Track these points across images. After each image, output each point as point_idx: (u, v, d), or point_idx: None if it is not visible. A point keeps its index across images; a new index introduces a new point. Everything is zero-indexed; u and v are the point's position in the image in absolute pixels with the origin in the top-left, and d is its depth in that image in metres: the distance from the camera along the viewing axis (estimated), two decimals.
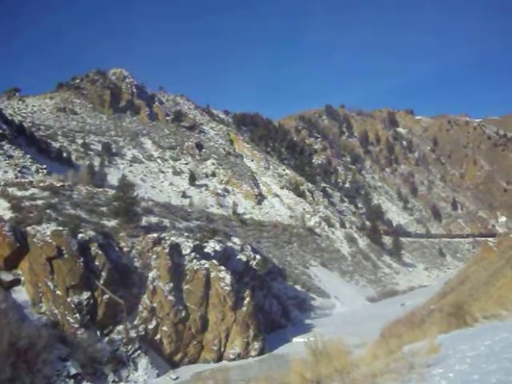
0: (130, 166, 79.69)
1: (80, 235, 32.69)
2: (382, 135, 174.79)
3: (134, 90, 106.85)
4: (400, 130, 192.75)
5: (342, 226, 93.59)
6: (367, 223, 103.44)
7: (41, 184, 43.70)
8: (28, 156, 58.13)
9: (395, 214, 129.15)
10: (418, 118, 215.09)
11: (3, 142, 57.65)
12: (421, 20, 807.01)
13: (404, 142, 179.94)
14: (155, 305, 34.30)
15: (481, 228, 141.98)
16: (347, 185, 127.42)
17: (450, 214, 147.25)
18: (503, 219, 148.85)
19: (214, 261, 38.52)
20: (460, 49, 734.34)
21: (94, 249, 32.61)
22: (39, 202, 37.97)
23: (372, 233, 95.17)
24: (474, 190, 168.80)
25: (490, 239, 79.87)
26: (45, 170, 55.64)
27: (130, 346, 30.72)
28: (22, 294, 30.36)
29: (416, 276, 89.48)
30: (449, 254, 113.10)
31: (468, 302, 15.17)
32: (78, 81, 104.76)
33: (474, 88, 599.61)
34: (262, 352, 37.65)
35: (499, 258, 40.59)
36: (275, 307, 49.93)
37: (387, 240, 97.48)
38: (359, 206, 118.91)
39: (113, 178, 65.28)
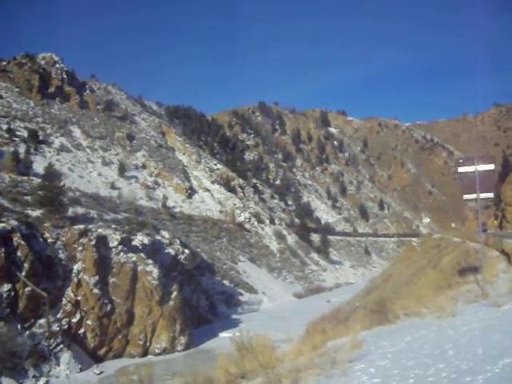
0: (58, 154, 77.05)
1: (1, 225, 31.42)
2: (314, 134, 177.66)
3: (65, 77, 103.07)
4: (332, 129, 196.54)
5: (272, 222, 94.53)
6: (296, 220, 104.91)
7: None
8: None
9: (324, 213, 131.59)
10: (349, 118, 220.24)
11: None
12: (356, 21, 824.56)
13: (335, 142, 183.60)
14: (80, 298, 33.54)
15: (405, 228, 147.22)
16: (278, 182, 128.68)
17: (377, 214, 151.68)
18: (427, 220, 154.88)
19: (142, 254, 38.09)
20: (392, 53, 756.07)
21: (16, 239, 31.45)
22: None
23: (300, 230, 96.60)
24: (400, 192, 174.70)
25: (413, 239, 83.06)
26: None
27: (52, 340, 29.88)
28: None
29: (342, 273, 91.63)
30: (374, 252, 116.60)
31: (391, 299, 15.67)
32: (4, 63, 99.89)
33: (404, 92, 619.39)
34: (188, 347, 37.63)
35: (422, 257, 42.30)
36: (203, 302, 49.92)
37: (315, 237, 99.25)
38: (289, 203, 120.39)
39: (39, 166, 62.93)
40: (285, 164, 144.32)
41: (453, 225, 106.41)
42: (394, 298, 17.19)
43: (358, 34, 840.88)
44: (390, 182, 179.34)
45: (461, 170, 13.12)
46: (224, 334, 38.90)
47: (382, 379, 6.52)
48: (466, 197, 13.20)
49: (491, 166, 12.85)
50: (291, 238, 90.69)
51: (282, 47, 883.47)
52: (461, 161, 13.57)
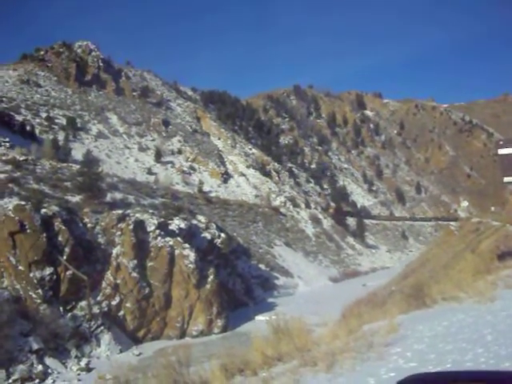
0: (95, 141, 78.38)
1: (43, 210, 32.23)
2: (350, 117, 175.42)
3: (101, 64, 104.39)
4: (367, 112, 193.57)
5: (307, 206, 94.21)
6: (332, 204, 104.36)
7: (3, 158, 42.79)
8: None
9: (360, 196, 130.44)
10: (385, 101, 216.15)
11: None
12: (392, 2, 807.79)
13: (371, 125, 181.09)
14: (119, 281, 34.22)
15: (443, 212, 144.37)
16: (313, 166, 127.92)
17: (414, 198, 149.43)
18: (465, 204, 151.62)
19: (179, 238, 38.55)
20: (430, 33, 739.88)
21: (57, 224, 32.24)
22: (1, 176, 37.27)
23: (336, 214, 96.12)
24: (437, 175, 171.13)
25: (451, 223, 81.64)
26: (7, 144, 54.23)
27: (92, 322, 30.66)
28: None
29: (378, 258, 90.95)
30: (411, 236, 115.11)
31: (428, 284, 15.52)
32: (42, 52, 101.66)
33: (441, 73, 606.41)
34: (224, 329, 38.03)
35: (460, 241, 41.70)
36: (239, 285, 50.31)
37: (351, 221, 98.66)
38: (325, 187, 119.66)
39: (77, 153, 64.27)
40: (320, 148, 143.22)
41: (492, 208, 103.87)
42: (431, 282, 17.03)
43: (394, 15, 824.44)
44: (427, 165, 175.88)
45: (501, 151, 12.82)
46: (260, 318, 39.16)
47: (419, 363, 6.52)
48: (506, 179, 12.95)
49: None
50: (327, 222, 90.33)
51: (317, 31, 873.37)
52: (501, 142, 13.28)
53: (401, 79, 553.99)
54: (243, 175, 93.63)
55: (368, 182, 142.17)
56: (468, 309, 9.60)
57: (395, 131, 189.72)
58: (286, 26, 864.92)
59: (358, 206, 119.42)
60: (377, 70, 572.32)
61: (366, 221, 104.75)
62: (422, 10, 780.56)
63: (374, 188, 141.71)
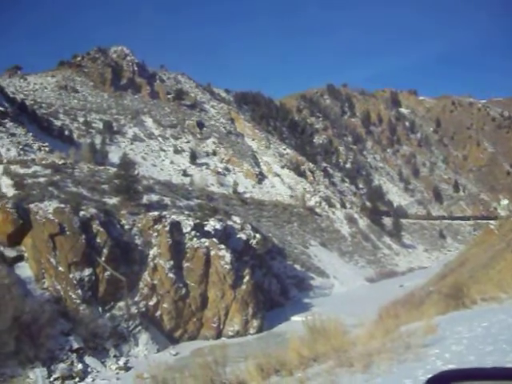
0: (131, 144, 79.71)
1: (82, 212, 32.97)
2: (384, 115, 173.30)
3: (135, 68, 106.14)
4: (402, 110, 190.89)
5: (343, 206, 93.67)
6: (368, 204, 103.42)
7: (43, 162, 43.91)
8: (30, 134, 58.22)
9: (396, 195, 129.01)
10: (421, 98, 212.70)
11: (6, 120, 57.62)
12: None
13: (406, 123, 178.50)
14: (156, 282, 34.68)
15: (482, 211, 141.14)
16: (348, 165, 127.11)
17: (452, 196, 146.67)
18: (505, 202, 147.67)
19: (214, 239, 38.79)
20: (466, 29, 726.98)
21: (95, 226, 32.92)
22: (41, 180, 38.26)
23: (372, 213, 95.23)
24: (476, 172, 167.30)
25: (491, 222, 79.84)
26: (47, 148, 55.73)
27: (130, 322, 31.19)
28: (25, 270, 30.81)
29: (416, 257, 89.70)
30: (449, 236, 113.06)
31: (467, 284, 15.30)
32: (79, 59, 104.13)
33: (479, 69, 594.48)
34: (260, 330, 38.13)
35: (500, 240, 40.72)
36: (274, 286, 50.31)
37: (387, 221, 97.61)
38: (360, 186, 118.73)
39: (114, 156, 65.36)
40: (355, 147, 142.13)
41: None
42: (470, 282, 16.81)
43: (430, 12, 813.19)
44: (465, 163, 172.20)
45: None
46: (296, 318, 39.07)
47: (458, 365, 6.40)
48: None
49: None
50: (363, 222, 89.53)
51: (351, 29, 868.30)
52: None
53: (437, 76, 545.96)
54: (278, 175, 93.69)
55: (404, 180, 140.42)
56: (508, 309, 9.46)
57: (431, 129, 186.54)
58: (319, 21, 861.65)
59: (395, 205, 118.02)
60: (412, 67, 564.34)
61: (403, 220, 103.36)
62: (459, 7, 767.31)
63: (411, 187, 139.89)
